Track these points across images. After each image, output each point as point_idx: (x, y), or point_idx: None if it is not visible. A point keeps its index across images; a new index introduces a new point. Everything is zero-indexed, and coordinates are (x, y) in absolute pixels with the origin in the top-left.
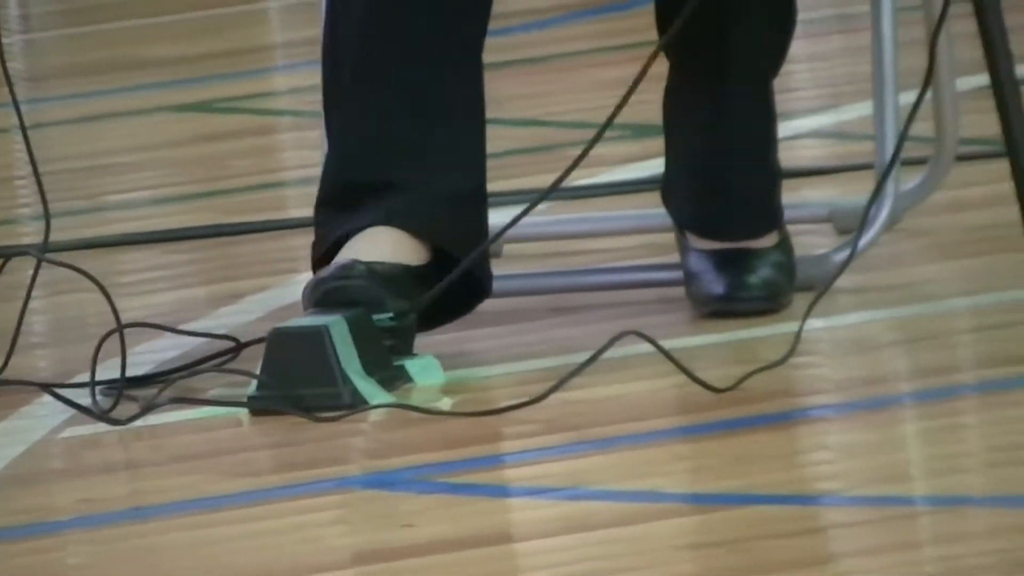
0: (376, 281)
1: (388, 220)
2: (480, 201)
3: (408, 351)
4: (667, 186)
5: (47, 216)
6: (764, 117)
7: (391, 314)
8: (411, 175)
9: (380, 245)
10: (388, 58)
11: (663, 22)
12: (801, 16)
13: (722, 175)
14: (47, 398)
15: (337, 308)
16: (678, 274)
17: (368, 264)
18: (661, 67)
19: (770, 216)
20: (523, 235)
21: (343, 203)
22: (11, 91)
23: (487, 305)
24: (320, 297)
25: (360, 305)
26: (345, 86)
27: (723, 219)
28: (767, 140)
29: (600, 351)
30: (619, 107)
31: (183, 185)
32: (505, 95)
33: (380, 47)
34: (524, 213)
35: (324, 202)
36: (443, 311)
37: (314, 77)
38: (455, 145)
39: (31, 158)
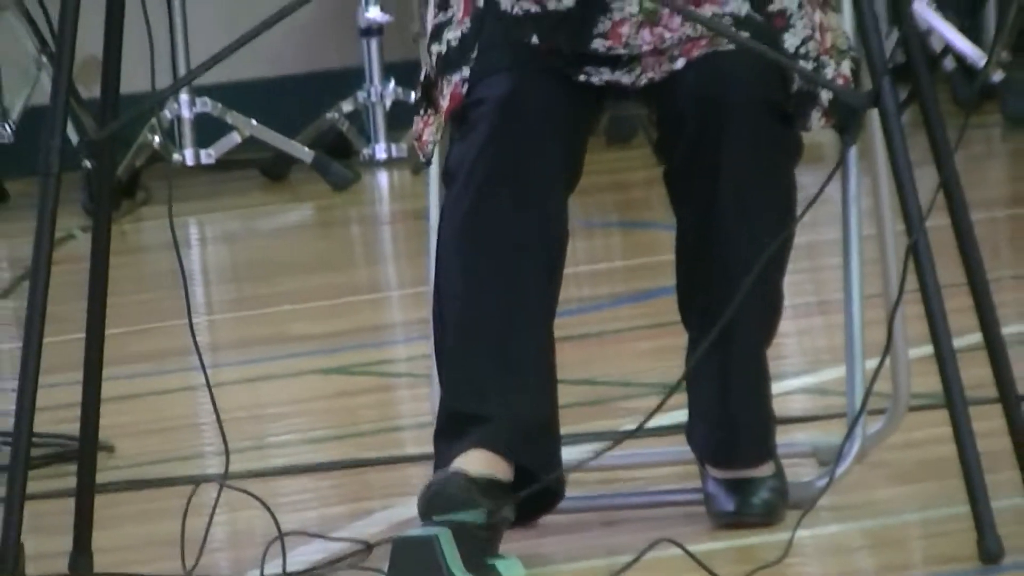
0: (472, 486)
1: (481, 444)
2: (552, 431)
3: (496, 549)
4: (690, 429)
5: (227, 452)
6: (761, 377)
7: (486, 511)
8: (499, 410)
9: (477, 462)
10: (480, 324)
11: (684, 306)
12: (790, 301)
13: (730, 421)
14: None
15: (445, 508)
16: (699, 495)
17: (466, 473)
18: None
19: (767, 451)
20: (583, 467)
21: (450, 432)
22: (200, 358)
23: (557, 518)
24: (432, 495)
25: (460, 503)
26: (449, 345)
27: (732, 453)
28: (763, 394)
29: (641, 554)
30: (672, 390)
31: (327, 428)
32: (567, 361)
33: (475, 316)
34: (603, 452)
35: (438, 433)
36: (528, 512)
37: (425, 348)
38: (532, 388)
39: (215, 408)
